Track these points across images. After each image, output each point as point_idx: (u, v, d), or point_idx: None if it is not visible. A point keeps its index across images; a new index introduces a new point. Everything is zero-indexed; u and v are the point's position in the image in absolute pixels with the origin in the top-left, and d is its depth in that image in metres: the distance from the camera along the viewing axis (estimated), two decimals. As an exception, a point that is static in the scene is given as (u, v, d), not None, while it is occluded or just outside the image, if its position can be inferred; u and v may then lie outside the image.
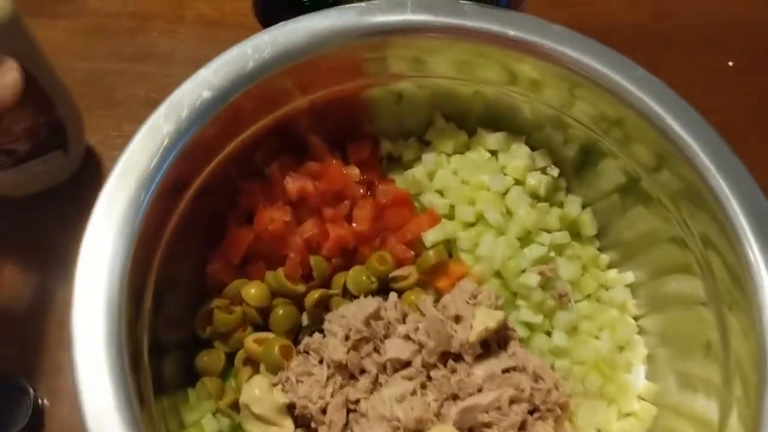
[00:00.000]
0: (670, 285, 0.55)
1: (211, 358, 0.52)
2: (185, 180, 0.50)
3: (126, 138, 0.47)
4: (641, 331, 0.57)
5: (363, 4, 0.50)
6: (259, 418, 0.48)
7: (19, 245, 0.65)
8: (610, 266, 0.59)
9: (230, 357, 0.53)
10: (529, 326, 0.53)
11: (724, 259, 0.48)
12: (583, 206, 0.59)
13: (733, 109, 0.75)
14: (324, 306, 0.54)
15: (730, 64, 0.80)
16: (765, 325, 0.44)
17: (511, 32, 0.51)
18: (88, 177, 0.68)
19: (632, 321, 0.56)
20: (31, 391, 0.57)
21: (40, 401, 0.58)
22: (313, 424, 0.48)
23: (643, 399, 0.54)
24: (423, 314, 0.51)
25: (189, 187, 0.50)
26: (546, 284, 0.54)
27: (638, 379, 0.54)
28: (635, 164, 0.54)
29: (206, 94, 0.48)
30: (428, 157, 0.58)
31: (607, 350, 0.53)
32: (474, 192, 0.56)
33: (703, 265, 0.51)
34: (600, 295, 0.57)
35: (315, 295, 0.53)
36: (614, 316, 0.55)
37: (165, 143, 0.47)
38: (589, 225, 0.58)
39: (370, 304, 0.50)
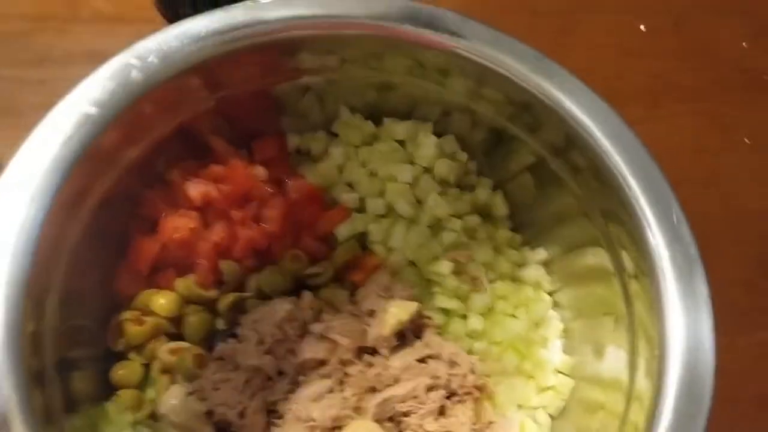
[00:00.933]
0: (581, 259, 0.56)
1: (127, 371, 0.51)
2: (82, 192, 0.48)
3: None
4: (556, 306, 0.58)
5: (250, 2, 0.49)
6: (180, 427, 0.48)
7: None
8: (523, 245, 0.60)
9: (147, 367, 0.52)
10: (446, 312, 0.54)
11: (625, 232, 0.49)
12: (494, 188, 0.59)
13: (648, 72, 0.77)
14: (239, 308, 0.53)
15: (642, 28, 0.81)
16: (660, 287, 0.46)
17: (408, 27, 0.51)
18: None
19: (547, 297, 0.57)
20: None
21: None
22: (233, 429, 0.48)
23: (560, 372, 0.55)
24: (338, 310, 0.51)
25: (86, 199, 0.48)
26: (460, 269, 0.54)
27: (555, 353, 0.55)
28: (542, 147, 0.55)
29: (92, 110, 0.46)
30: (336, 151, 0.58)
31: (523, 328, 0.54)
32: (383, 183, 0.55)
33: (608, 239, 0.52)
34: (514, 274, 0.58)
35: (228, 299, 0.52)
36: (529, 295, 0.56)
37: (55, 155, 0.45)
38: (500, 206, 0.59)
39: (283, 307, 0.50)
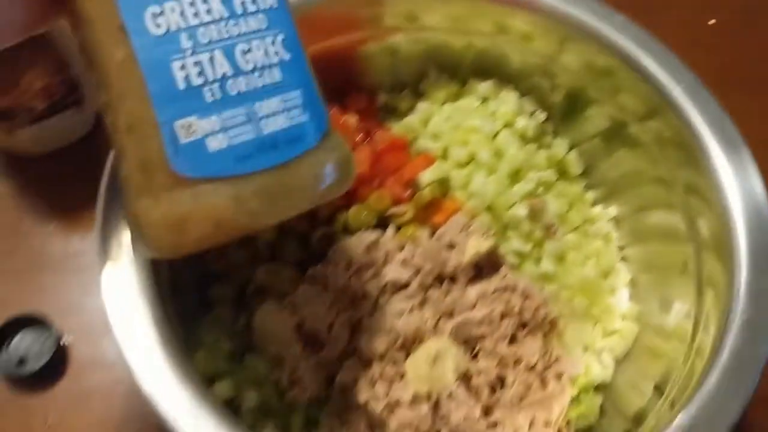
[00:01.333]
0: (652, 219, 0.59)
1: (224, 290, 0.56)
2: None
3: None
4: (625, 260, 0.61)
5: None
6: (271, 339, 0.52)
7: (36, 199, 0.70)
8: (594, 203, 0.63)
9: (242, 290, 0.57)
10: (519, 255, 0.57)
11: (705, 203, 0.52)
12: (569, 148, 0.63)
13: (715, 66, 0.79)
14: (327, 242, 0.58)
15: (712, 22, 0.84)
16: (737, 275, 0.47)
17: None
18: (102, 134, 0.72)
19: (615, 249, 0.60)
20: (55, 330, 0.61)
21: (62, 340, 0.62)
22: (319, 342, 0.52)
23: (626, 318, 0.58)
24: (419, 245, 0.55)
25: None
26: (534, 216, 0.58)
27: (621, 301, 0.58)
28: (623, 112, 0.58)
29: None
30: (423, 106, 0.62)
31: (592, 275, 0.57)
32: (466, 135, 0.60)
33: (686, 209, 0.54)
34: (585, 228, 0.61)
35: (319, 232, 0.57)
36: (599, 246, 0.60)
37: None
38: (574, 164, 0.62)
39: (369, 235, 0.54)
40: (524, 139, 0.60)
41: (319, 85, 0.40)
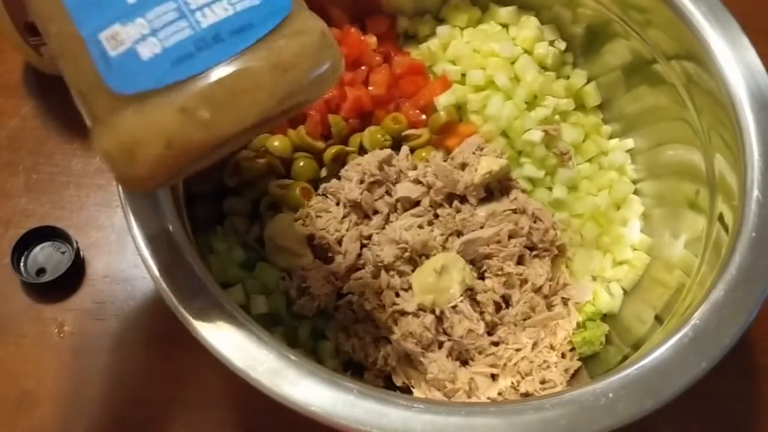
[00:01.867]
0: (670, 154, 0.59)
1: (237, 202, 0.57)
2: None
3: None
4: (638, 193, 0.60)
5: None
6: (282, 249, 0.53)
7: (61, 118, 0.71)
8: (611, 136, 0.62)
9: (255, 206, 0.58)
10: (532, 181, 0.57)
11: (727, 152, 0.51)
12: (588, 80, 0.62)
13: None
14: (341, 162, 0.58)
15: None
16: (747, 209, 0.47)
17: None
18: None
19: (629, 181, 0.60)
20: (75, 242, 0.63)
21: (81, 253, 0.63)
22: (330, 255, 0.53)
23: (637, 249, 0.58)
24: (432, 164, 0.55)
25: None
26: (549, 143, 0.57)
27: (633, 232, 0.58)
28: (652, 48, 0.57)
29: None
30: (443, 30, 0.62)
31: (604, 205, 0.57)
32: (485, 59, 0.59)
33: (705, 149, 0.53)
34: (600, 160, 0.60)
35: (333, 150, 0.57)
36: (613, 177, 0.59)
37: None
38: (592, 96, 0.61)
39: (384, 152, 0.55)
40: (543, 66, 0.60)
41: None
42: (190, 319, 0.39)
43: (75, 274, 0.63)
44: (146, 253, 0.42)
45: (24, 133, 0.70)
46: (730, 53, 0.51)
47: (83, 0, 0.29)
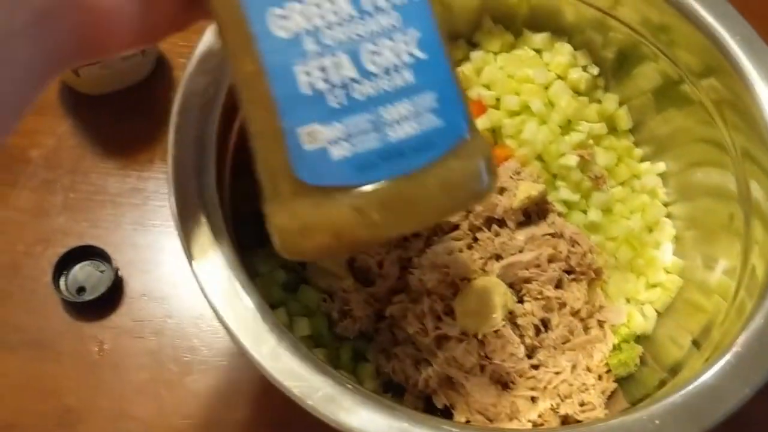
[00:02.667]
0: (701, 176, 0.60)
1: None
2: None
3: (192, 47, 0.51)
4: (670, 216, 0.61)
5: None
6: (324, 271, 0.54)
7: (97, 138, 0.72)
8: (643, 159, 0.63)
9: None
10: (567, 204, 0.58)
11: (763, 174, 0.51)
12: (620, 104, 0.63)
13: None
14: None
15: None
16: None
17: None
18: (160, 78, 0.74)
19: (661, 204, 0.61)
20: (113, 261, 0.64)
21: (119, 272, 0.65)
22: (370, 277, 0.54)
23: (669, 272, 0.59)
24: (470, 188, 0.56)
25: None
26: (584, 167, 0.58)
27: (666, 255, 0.59)
28: (678, 68, 0.58)
29: None
30: (476, 55, 0.63)
31: (637, 228, 0.58)
32: (519, 85, 0.60)
33: (738, 171, 0.54)
34: (633, 183, 0.61)
35: (371, 173, 0.58)
36: (645, 201, 0.60)
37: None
38: (624, 119, 0.62)
39: (423, 177, 0.56)
40: (576, 91, 0.61)
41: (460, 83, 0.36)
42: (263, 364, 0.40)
43: (114, 293, 0.64)
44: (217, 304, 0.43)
45: (61, 152, 0.71)
46: (758, 69, 0.52)
47: (292, 98, 0.32)
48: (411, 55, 0.33)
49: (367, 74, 0.32)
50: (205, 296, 0.43)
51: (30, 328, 0.62)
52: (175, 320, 0.64)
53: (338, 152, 0.32)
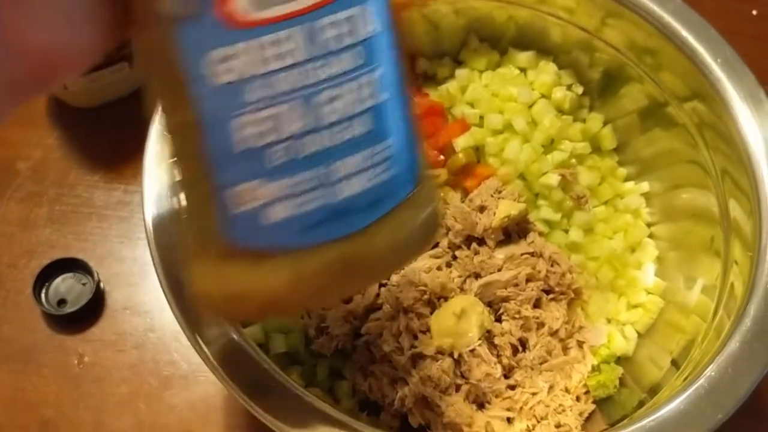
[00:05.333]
0: (684, 198, 0.60)
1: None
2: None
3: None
4: (653, 236, 0.61)
5: None
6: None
7: (84, 150, 0.72)
8: (627, 179, 0.63)
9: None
10: (549, 224, 0.58)
11: (740, 192, 0.52)
12: (604, 123, 0.63)
13: (757, 56, 0.78)
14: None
15: (755, 12, 0.83)
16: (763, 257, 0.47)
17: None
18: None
19: (644, 225, 0.61)
20: (96, 274, 0.64)
21: (101, 285, 0.64)
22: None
23: (651, 293, 0.58)
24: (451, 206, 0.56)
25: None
26: (566, 186, 0.58)
27: (647, 275, 0.59)
28: (663, 91, 0.58)
29: None
30: (461, 73, 0.63)
31: (619, 249, 0.58)
32: (503, 103, 0.60)
33: (719, 193, 0.54)
34: (616, 203, 0.61)
35: (353, 189, 0.58)
36: (628, 221, 0.60)
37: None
38: (609, 139, 0.62)
39: (403, 194, 0.56)
40: (560, 110, 0.61)
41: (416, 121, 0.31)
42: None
43: (95, 306, 0.64)
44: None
45: (48, 164, 0.72)
46: (737, 89, 0.52)
47: (227, 151, 0.27)
48: (372, 96, 0.28)
49: (317, 126, 0.27)
50: (183, 330, 0.43)
51: (12, 340, 0.62)
52: (157, 334, 0.64)
53: (278, 212, 0.27)
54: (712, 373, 0.42)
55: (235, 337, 0.42)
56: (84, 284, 0.64)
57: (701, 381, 0.42)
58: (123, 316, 0.65)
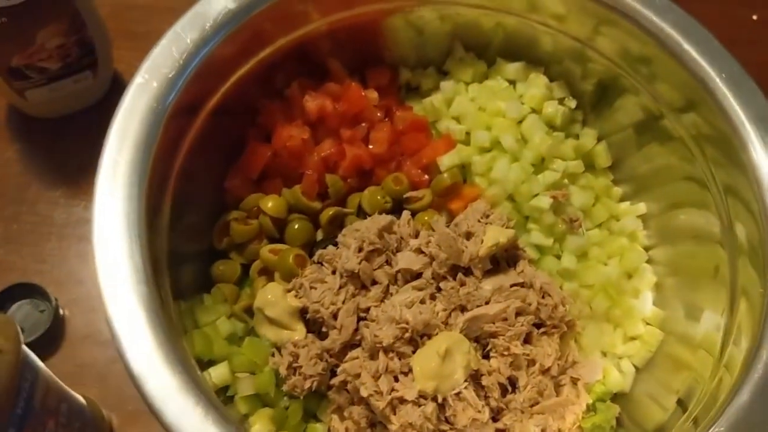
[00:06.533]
0: (683, 218, 0.56)
1: (227, 267, 0.54)
2: (203, 96, 0.51)
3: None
4: (651, 261, 0.57)
5: None
6: (273, 322, 0.50)
7: (45, 164, 0.68)
8: (622, 199, 0.59)
9: (245, 268, 0.55)
10: (540, 249, 0.54)
11: (748, 214, 0.48)
12: (598, 139, 0.59)
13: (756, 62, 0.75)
14: (339, 224, 0.55)
15: (755, 17, 0.79)
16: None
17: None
18: (115, 101, 0.69)
19: (641, 249, 0.57)
20: (54, 300, 0.59)
21: (61, 311, 0.60)
22: (324, 329, 0.49)
23: (649, 324, 0.54)
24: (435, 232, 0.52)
25: (206, 103, 0.51)
26: (558, 209, 0.54)
27: (645, 304, 0.55)
28: (659, 102, 0.54)
29: (231, 5, 0.49)
30: (447, 85, 0.59)
31: (615, 275, 0.54)
32: (491, 118, 0.56)
33: (722, 210, 0.51)
34: (611, 225, 0.57)
35: (330, 212, 0.54)
36: (624, 245, 0.56)
37: (188, 50, 0.48)
38: (603, 157, 0.58)
39: (384, 218, 0.52)
40: (551, 126, 0.57)
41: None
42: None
43: (55, 335, 0.60)
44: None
45: (6, 179, 0.67)
46: (734, 96, 0.49)
47: None
48: None
49: None
50: (128, 370, 0.39)
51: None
52: (121, 365, 0.59)
53: None
54: (721, 429, 0.38)
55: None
56: (42, 311, 0.60)
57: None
58: (84, 346, 0.60)
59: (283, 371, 0.48)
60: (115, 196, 0.44)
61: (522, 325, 0.48)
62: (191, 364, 0.42)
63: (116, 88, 0.70)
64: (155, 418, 0.38)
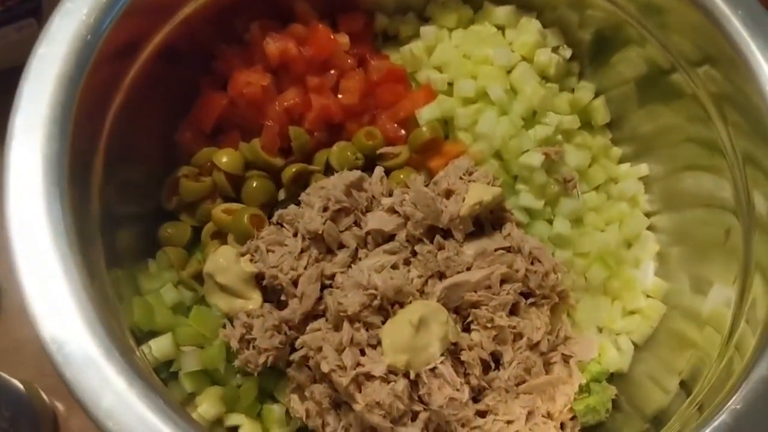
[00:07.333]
0: (691, 182, 0.50)
1: (175, 230, 0.48)
2: (143, 33, 0.45)
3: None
4: (653, 228, 0.52)
5: None
6: (224, 290, 0.44)
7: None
8: (622, 160, 0.54)
9: (197, 232, 0.49)
10: (530, 212, 0.49)
11: (765, 183, 0.43)
12: (596, 94, 0.54)
13: None
14: (303, 183, 0.49)
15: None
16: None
17: None
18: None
19: (643, 215, 0.52)
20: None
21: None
22: (283, 298, 0.44)
23: (650, 297, 0.49)
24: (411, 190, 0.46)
25: (148, 42, 0.45)
26: (550, 168, 0.49)
27: (647, 275, 0.50)
28: (671, 54, 0.48)
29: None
30: (428, 31, 0.53)
31: (613, 243, 0.49)
32: (476, 67, 0.51)
33: (738, 177, 0.45)
34: (609, 188, 0.52)
35: (293, 169, 0.48)
36: (623, 210, 0.51)
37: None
38: (601, 112, 0.53)
39: (353, 174, 0.46)
40: (544, 76, 0.51)
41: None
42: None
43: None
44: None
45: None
46: (763, 49, 0.43)
47: None
48: None
49: None
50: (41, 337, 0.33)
51: None
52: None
53: None
54: (737, 407, 0.33)
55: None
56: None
57: (723, 417, 0.33)
58: (22, 322, 0.54)
59: (234, 344, 0.42)
60: (32, 136, 0.37)
61: (508, 294, 0.43)
62: (121, 334, 0.36)
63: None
64: (67, 389, 0.32)
